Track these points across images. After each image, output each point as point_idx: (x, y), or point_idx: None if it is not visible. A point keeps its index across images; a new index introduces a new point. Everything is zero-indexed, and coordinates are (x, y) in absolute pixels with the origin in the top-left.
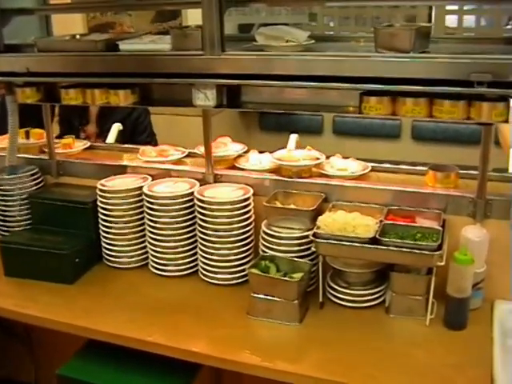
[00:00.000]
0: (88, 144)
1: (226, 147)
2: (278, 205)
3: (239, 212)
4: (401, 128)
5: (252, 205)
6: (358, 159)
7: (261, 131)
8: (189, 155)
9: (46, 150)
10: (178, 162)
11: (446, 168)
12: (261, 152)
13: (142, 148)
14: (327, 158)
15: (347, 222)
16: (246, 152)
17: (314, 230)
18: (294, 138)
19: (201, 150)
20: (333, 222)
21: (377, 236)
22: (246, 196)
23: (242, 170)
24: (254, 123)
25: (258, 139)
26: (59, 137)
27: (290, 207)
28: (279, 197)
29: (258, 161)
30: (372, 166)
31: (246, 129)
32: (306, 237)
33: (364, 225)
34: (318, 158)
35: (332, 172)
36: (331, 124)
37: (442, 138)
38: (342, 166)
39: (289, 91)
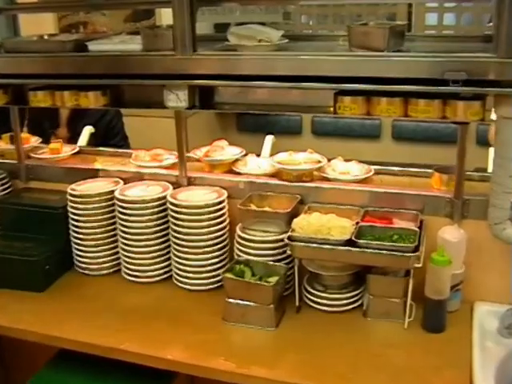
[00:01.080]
0: (77, 149)
1: (223, 151)
2: (253, 207)
3: (213, 215)
4: (381, 128)
5: (226, 208)
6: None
7: (238, 132)
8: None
9: (34, 155)
10: (173, 166)
11: (450, 169)
12: (258, 155)
13: (134, 153)
14: (329, 160)
15: (322, 224)
16: (244, 155)
17: (289, 233)
18: (269, 139)
19: (197, 153)
20: (308, 224)
21: (353, 238)
22: (220, 199)
23: (240, 174)
24: (232, 124)
25: (235, 140)
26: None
27: (265, 210)
28: (254, 199)
29: (257, 165)
30: (375, 169)
31: (223, 130)
32: (281, 240)
33: (339, 227)
34: (319, 161)
35: (334, 175)
36: (310, 125)
37: (423, 137)
38: (344, 169)
39: (262, 91)
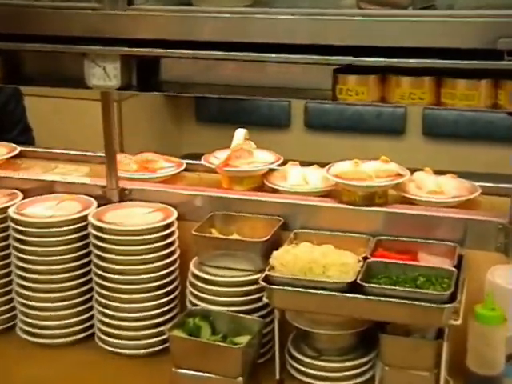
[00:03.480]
0: (18, 150)
1: (251, 157)
2: (215, 234)
3: (156, 245)
4: (406, 120)
5: (176, 234)
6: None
7: (198, 124)
8: (187, 169)
9: None
10: (172, 178)
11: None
12: (304, 164)
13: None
14: (412, 172)
15: (315, 260)
16: (282, 164)
17: (267, 272)
18: (240, 134)
19: (212, 160)
20: (294, 259)
21: (358, 280)
22: (166, 221)
23: (278, 191)
24: (188, 112)
25: (193, 135)
26: None
27: (233, 238)
28: (217, 222)
29: (303, 178)
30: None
31: (176, 120)
32: (255, 282)
33: (339, 263)
34: (399, 175)
35: (421, 196)
36: (302, 114)
37: (468, 133)
38: (435, 185)
39: (231, 67)
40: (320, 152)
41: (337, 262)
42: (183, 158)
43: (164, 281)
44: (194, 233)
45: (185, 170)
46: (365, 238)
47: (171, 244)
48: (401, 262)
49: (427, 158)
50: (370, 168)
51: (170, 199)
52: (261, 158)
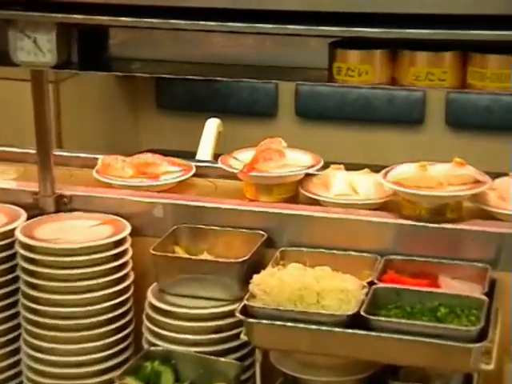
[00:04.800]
0: None
1: (283, 159)
2: (180, 253)
3: (104, 268)
4: (425, 106)
5: (129, 254)
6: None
7: (159, 112)
8: (198, 174)
9: None
10: (178, 187)
11: None
12: (349, 169)
13: (102, 159)
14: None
15: (307, 286)
16: (321, 168)
17: (245, 302)
18: (212, 125)
19: (233, 163)
20: (280, 285)
21: (362, 312)
22: (117, 237)
23: (318, 203)
24: (147, 98)
25: (153, 126)
26: None
27: (202, 258)
28: (182, 238)
29: (350, 186)
30: None
31: (131, 107)
32: (231, 314)
33: (338, 290)
34: (477, 182)
35: (504, 209)
36: (292, 100)
37: (502, 123)
38: None
39: (200, 40)
40: (315, 148)
41: (335, 289)
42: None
43: (114, 314)
44: (152, 252)
45: (195, 175)
46: (371, 257)
47: (123, 266)
48: (416, 288)
49: (452, 155)
50: (439, 173)
51: (121, 208)
52: (295, 160)
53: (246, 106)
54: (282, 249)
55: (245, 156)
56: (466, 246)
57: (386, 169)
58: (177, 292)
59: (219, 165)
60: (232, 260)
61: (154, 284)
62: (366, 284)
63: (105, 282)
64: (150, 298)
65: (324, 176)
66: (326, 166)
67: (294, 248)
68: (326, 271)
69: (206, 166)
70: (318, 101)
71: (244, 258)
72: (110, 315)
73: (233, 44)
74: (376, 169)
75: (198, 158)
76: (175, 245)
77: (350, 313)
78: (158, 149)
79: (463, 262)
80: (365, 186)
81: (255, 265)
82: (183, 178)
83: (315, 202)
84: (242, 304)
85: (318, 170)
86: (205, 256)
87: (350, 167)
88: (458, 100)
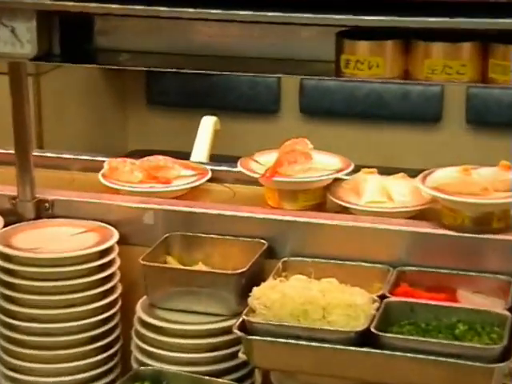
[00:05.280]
0: None
1: (309, 162)
2: (172, 264)
3: (89, 280)
4: (443, 102)
5: (117, 264)
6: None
7: (150, 108)
8: (213, 179)
9: None
10: (192, 193)
11: None
12: (380, 171)
13: (109, 162)
14: None
15: (311, 300)
16: (351, 172)
17: (244, 317)
18: (208, 123)
19: (254, 167)
20: (282, 298)
21: (373, 329)
22: (103, 246)
23: (348, 211)
24: (136, 92)
25: (143, 124)
26: None
27: (197, 269)
28: (175, 247)
29: (384, 192)
30: None
31: (119, 103)
32: (228, 331)
33: (346, 305)
34: None
35: None
36: (296, 96)
37: None
38: None
39: (198, 30)
40: (321, 148)
41: (342, 303)
42: (129, 155)
43: (99, 330)
44: (142, 262)
45: (210, 179)
46: (382, 268)
47: (110, 278)
48: (432, 302)
49: (473, 156)
50: (484, 177)
51: (108, 214)
52: (322, 163)
53: (245, 102)
54: (285, 259)
55: (266, 158)
56: (487, 256)
57: (424, 173)
58: (169, 306)
59: (238, 168)
60: (229, 271)
61: (144, 297)
62: (376, 298)
63: (90, 296)
64: (140, 312)
65: (354, 181)
66: (356, 169)
67: (297, 258)
68: (332, 284)
69: (222, 170)
70: (325, 96)
71: (242, 270)
72: (96, 332)
73: (231, 34)
74: (388, 171)
75: (192, 159)
76: (167, 254)
77: (358, 329)
78: (148, 149)
79: (484, 273)
80: (400, 192)
81: (255, 276)
82: (198, 183)
83: (344, 210)
84: (241, 319)
85: (347, 174)
86: (200, 267)
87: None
88: (479, 95)
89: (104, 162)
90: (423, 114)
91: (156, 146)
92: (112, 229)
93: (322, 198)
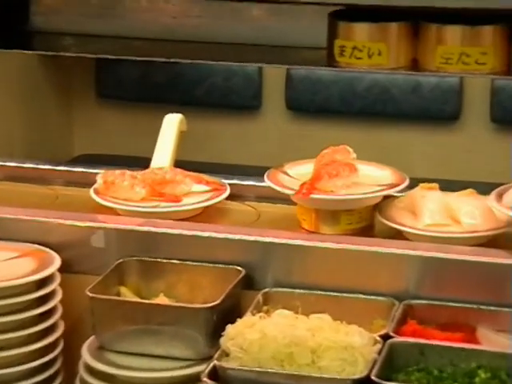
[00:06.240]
0: None
1: (354, 176)
2: (127, 296)
3: (23, 316)
4: (462, 97)
5: (58, 297)
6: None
7: (99, 102)
8: (234, 195)
9: None
10: (206, 213)
11: None
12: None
13: (102, 176)
14: None
15: (298, 341)
16: (406, 188)
17: (216, 362)
18: (172, 122)
19: (284, 181)
20: (263, 339)
21: (373, 377)
22: (42, 274)
23: (401, 236)
24: (83, 84)
25: (92, 122)
26: None
27: (157, 302)
28: (130, 275)
29: (447, 212)
30: None
31: (63, 97)
32: (195, 379)
33: (341, 347)
34: None
35: None
36: (282, 89)
37: None
38: None
39: (161, 9)
40: (312, 152)
41: (336, 345)
42: (74, 161)
43: (36, 379)
44: (89, 294)
45: (229, 197)
46: (385, 301)
47: (49, 314)
48: (447, 343)
49: (500, 161)
50: None
51: (48, 236)
52: (370, 177)
53: (218, 96)
54: (266, 290)
55: (299, 171)
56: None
57: (499, 189)
58: (122, 349)
59: (266, 183)
60: (197, 305)
61: (92, 338)
62: (378, 338)
63: (24, 337)
64: (86, 356)
65: (410, 198)
66: (412, 184)
67: (281, 289)
68: (324, 320)
69: (243, 186)
70: (316, 90)
71: (214, 303)
72: (32, 380)
73: (200, 14)
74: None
75: (152, 165)
76: (121, 285)
77: (356, 377)
78: (98, 153)
79: (509, 308)
80: (468, 212)
81: (229, 312)
82: (213, 201)
83: (397, 235)
84: (211, 365)
85: (401, 191)
86: (161, 300)
87: None
88: (506, 89)
89: (47, 170)
90: (438, 111)
91: (108, 150)
92: (52, 253)
93: (369, 219)
